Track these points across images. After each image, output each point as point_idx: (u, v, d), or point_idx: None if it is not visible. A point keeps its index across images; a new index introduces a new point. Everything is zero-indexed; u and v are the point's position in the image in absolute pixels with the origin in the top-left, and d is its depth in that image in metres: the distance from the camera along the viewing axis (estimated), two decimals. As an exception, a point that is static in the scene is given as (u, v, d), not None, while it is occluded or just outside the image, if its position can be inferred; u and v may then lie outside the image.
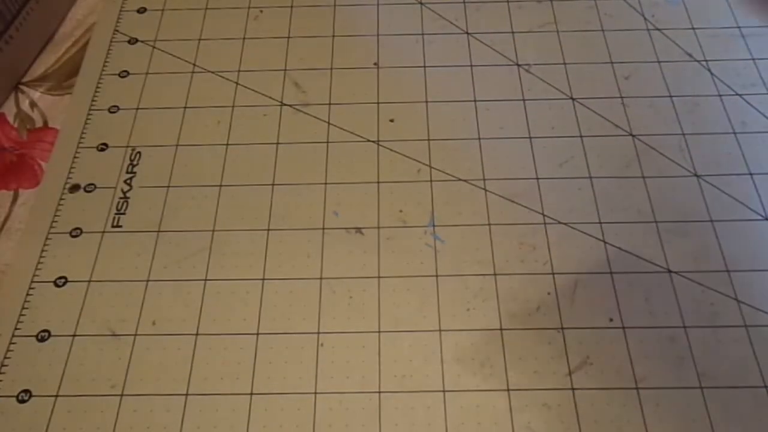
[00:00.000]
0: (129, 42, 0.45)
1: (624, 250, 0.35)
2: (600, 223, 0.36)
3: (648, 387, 0.31)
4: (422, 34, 0.45)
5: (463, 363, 0.32)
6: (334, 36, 0.45)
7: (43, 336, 0.33)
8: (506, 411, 0.31)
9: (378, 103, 0.42)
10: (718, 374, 0.32)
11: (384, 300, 0.34)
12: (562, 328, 0.33)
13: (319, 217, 0.37)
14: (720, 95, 0.41)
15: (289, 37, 0.45)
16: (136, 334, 0.33)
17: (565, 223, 0.36)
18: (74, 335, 0.33)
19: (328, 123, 0.41)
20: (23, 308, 0.34)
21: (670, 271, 0.35)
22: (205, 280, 0.35)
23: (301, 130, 0.41)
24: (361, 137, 0.40)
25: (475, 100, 0.42)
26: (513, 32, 0.45)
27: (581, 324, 0.33)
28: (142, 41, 0.45)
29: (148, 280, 0.35)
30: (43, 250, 0.36)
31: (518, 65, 0.43)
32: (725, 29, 0.45)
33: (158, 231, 0.37)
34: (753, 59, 0.43)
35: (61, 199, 0.38)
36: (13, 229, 0.38)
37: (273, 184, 0.38)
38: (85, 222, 0.37)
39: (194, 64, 0.44)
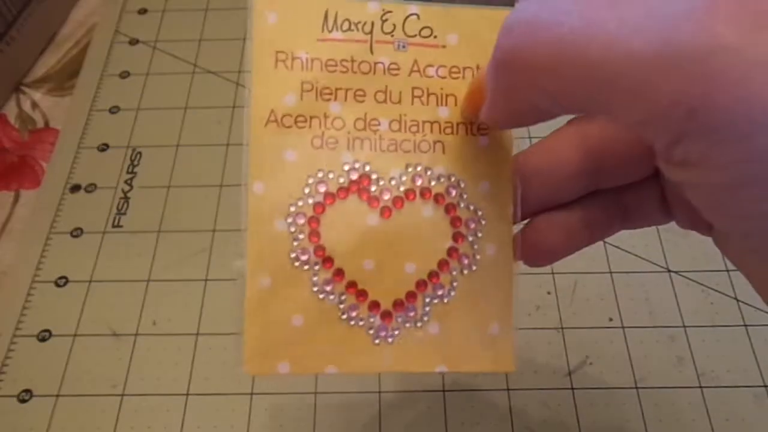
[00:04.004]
0: (130, 43, 0.46)
1: (624, 250, 0.35)
2: (600, 223, 0.36)
3: (648, 387, 0.31)
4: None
5: (463, 363, 0.32)
6: (334, 36, 0.45)
7: (44, 336, 0.33)
8: (506, 411, 0.31)
9: (378, 103, 0.42)
10: (718, 374, 0.32)
11: (384, 300, 0.34)
12: (562, 328, 0.33)
13: (319, 217, 0.37)
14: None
15: (289, 38, 0.45)
16: (136, 334, 0.33)
17: (565, 223, 0.36)
18: (75, 335, 0.33)
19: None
20: (24, 308, 0.34)
21: (670, 271, 0.35)
22: (206, 280, 0.35)
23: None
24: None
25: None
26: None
27: (581, 324, 0.33)
28: (142, 42, 0.45)
29: (148, 280, 0.35)
30: (44, 250, 0.36)
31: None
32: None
33: (159, 231, 0.37)
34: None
35: (62, 199, 0.38)
36: (15, 230, 0.38)
37: (273, 185, 0.38)
38: (85, 222, 0.37)
39: (195, 65, 0.44)
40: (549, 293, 0.34)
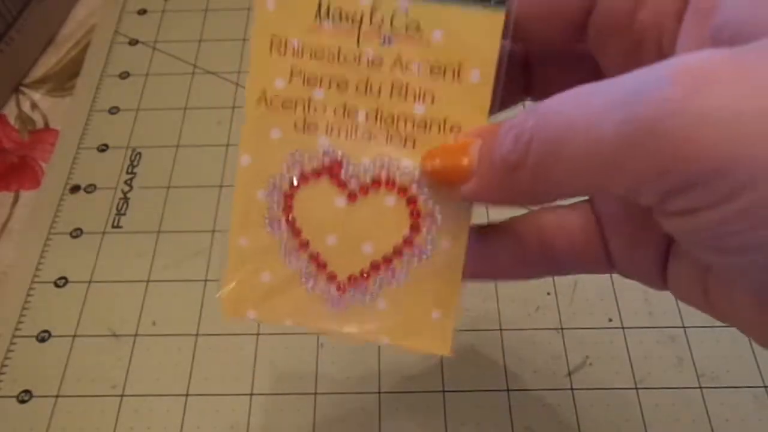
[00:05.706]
0: (129, 43, 0.46)
1: (624, 250, 0.35)
2: (600, 223, 0.36)
3: (648, 387, 0.31)
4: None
5: (463, 363, 0.32)
6: (334, 37, 0.45)
7: (43, 336, 0.33)
8: (506, 411, 0.31)
9: (378, 103, 0.42)
10: (718, 374, 0.32)
11: (384, 300, 0.34)
12: (562, 328, 0.33)
13: (319, 217, 0.37)
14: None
15: (289, 38, 0.45)
16: (136, 335, 0.33)
17: (564, 224, 0.36)
18: (74, 335, 0.33)
19: (328, 124, 0.41)
20: (24, 309, 0.34)
21: (669, 271, 0.35)
22: (205, 280, 0.35)
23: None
24: (361, 138, 0.40)
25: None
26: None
27: (581, 324, 0.33)
28: (142, 42, 0.45)
29: (148, 281, 0.35)
30: (43, 251, 0.36)
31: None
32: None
33: (158, 231, 0.37)
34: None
35: (61, 199, 0.38)
36: (15, 230, 0.38)
37: (273, 185, 0.38)
38: (85, 222, 0.37)
39: (194, 65, 0.44)
40: (549, 293, 0.34)
